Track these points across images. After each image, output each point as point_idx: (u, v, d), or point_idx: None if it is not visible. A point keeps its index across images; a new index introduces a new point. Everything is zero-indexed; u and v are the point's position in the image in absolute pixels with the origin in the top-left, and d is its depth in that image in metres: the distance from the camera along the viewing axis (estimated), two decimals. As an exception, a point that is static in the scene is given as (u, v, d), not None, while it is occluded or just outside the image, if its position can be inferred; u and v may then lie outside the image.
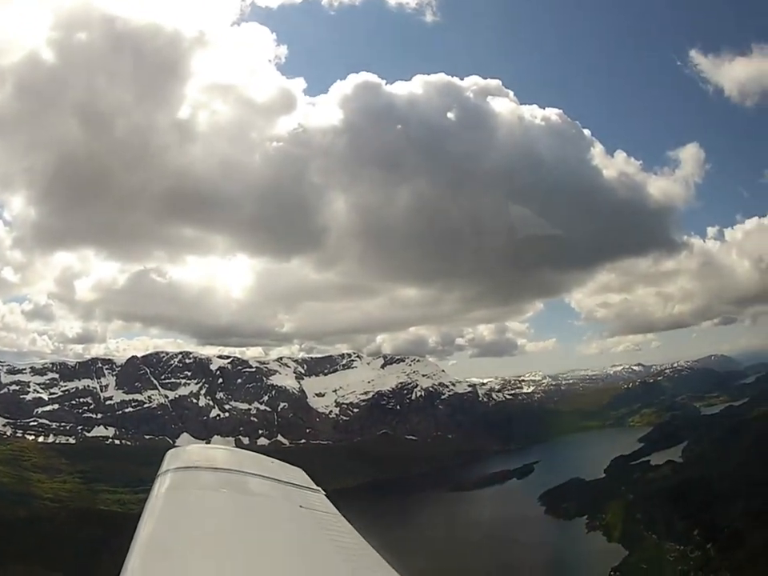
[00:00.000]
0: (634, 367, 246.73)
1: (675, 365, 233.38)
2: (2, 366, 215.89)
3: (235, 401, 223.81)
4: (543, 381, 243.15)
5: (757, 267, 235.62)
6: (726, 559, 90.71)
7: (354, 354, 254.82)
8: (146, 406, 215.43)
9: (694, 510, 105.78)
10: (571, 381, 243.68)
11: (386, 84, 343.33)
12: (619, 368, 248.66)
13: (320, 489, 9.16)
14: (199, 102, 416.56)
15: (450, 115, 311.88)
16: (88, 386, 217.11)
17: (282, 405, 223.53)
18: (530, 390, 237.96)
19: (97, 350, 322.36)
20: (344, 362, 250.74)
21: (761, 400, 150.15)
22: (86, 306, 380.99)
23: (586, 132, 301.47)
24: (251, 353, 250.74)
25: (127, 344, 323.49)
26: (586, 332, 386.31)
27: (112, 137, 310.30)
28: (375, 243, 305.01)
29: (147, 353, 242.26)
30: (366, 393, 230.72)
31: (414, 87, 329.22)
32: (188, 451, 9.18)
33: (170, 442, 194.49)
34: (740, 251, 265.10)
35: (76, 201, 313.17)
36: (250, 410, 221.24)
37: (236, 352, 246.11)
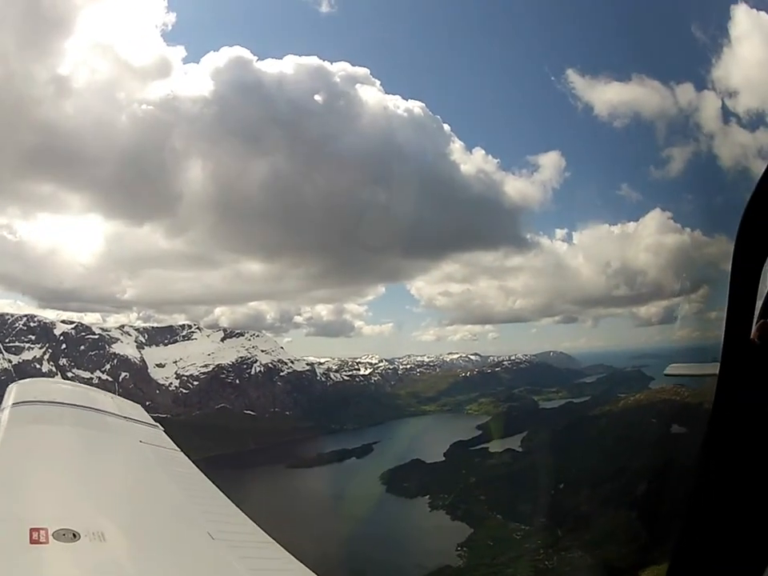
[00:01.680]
0: (471, 356, 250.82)
1: (513, 357, 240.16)
2: None
3: (78, 368, 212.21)
4: (380, 364, 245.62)
5: (603, 272, 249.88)
6: (576, 539, 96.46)
7: (195, 325, 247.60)
8: None
9: (537, 494, 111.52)
10: (408, 366, 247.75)
11: (258, 60, 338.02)
12: (456, 356, 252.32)
13: (158, 424, 9.53)
14: (78, 58, 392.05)
15: (315, 97, 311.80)
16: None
17: (123, 374, 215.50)
18: (366, 373, 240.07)
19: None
20: (184, 332, 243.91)
21: (601, 400, 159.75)
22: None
23: (446, 127, 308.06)
24: (89, 318, 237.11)
25: None
26: (425, 318, 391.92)
27: None
28: (226, 215, 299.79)
29: None
30: (206, 365, 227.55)
31: (284, 67, 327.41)
32: (30, 385, 9.33)
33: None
34: (587, 255, 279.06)
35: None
36: (92, 378, 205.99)
37: (74, 317, 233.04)
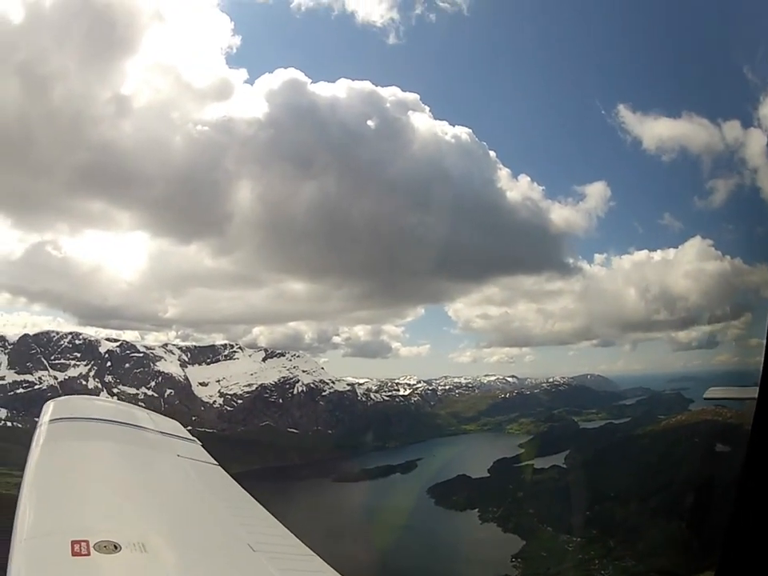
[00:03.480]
0: (508, 378, 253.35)
1: (551, 379, 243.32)
2: None
3: (123, 385, 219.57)
4: (418, 385, 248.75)
5: (642, 297, 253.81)
6: (628, 549, 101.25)
7: (236, 345, 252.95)
8: (36, 387, 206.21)
9: (586, 507, 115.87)
10: (447, 387, 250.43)
11: (312, 83, 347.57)
12: (493, 378, 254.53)
13: (195, 439, 9.65)
14: (140, 78, 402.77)
15: (366, 122, 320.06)
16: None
17: (168, 391, 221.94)
18: (406, 393, 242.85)
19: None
20: (226, 352, 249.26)
21: (642, 421, 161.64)
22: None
23: (492, 154, 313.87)
24: (128, 336, 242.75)
25: (6, 320, 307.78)
26: (462, 341, 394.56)
27: (37, 103, 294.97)
28: (274, 235, 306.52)
29: (38, 331, 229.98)
30: (249, 385, 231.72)
31: (337, 90, 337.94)
32: (66, 402, 9.44)
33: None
34: (627, 280, 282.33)
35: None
36: (137, 394, 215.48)
37: (113, 334, 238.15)
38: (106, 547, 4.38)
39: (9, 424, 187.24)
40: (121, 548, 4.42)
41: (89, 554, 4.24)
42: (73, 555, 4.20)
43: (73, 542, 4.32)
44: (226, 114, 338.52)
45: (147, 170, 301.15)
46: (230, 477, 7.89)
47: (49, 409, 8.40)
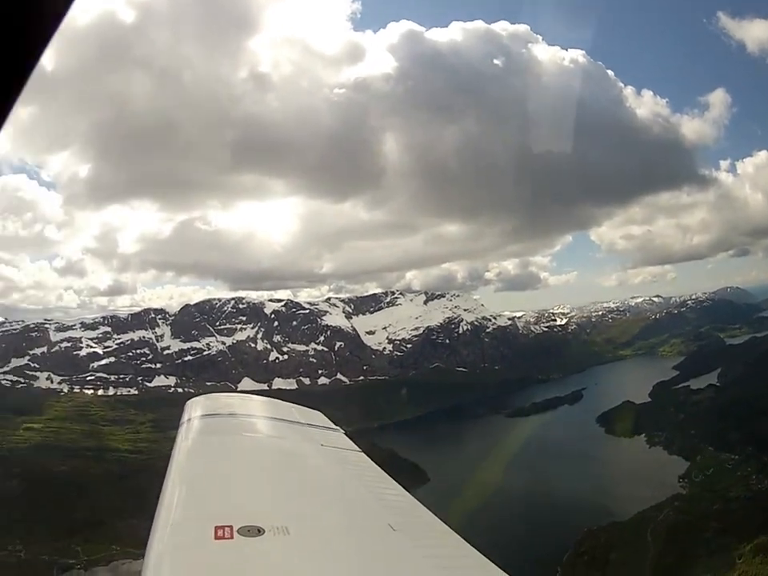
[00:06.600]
0: (654, 298, 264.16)
1: (694, 296, 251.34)
2: (50, 323, 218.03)
3: (293, 343, 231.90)
4: (572, 313, 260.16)
5: None
6: None
7: (397, 291, 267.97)
8: (205, 353, 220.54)
9: (743, 425, 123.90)
10: (600, 312, 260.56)
11: (426, 31, 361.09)
12: (639, 299, 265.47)
13: (339, 428, 9.68)
14: (270, 54, 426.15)
15: (488, 60, 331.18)
16: (143, 337, 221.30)
17: (338, 344, 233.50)
18: (563, 322, 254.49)
19: (122, 302, 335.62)
20: (388, 299, 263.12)
21: None
22: (123, 259, 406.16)
23: (610, 73, 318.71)
24: (279, 295, 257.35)
25: (153, 293, 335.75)
26: (607, 264, 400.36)
27: (177, 89, 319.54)
28: (424, 181, 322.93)
29: (200, 300, 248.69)
30: (416, 329, 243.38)
31: (453, 34, 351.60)
32: (208, 400, 9.88)
33: (233, 387, 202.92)
34: (753, 185, 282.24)
35: (135, 154, 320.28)
36: (307, 351, 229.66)
37: (264, 296, 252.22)
38: (249, 531, 4.66)
39: (179, 390, 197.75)
40: (264, 532, 4.69)
41: (232, 538, 4.54)
42: (216, 539, 4.50)
43: (216, 527, 4.60)
44: (359, 75, 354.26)
45: (295, 138, 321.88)
46: (372, 462, 7.84)
47: (192, 406, 8.93)
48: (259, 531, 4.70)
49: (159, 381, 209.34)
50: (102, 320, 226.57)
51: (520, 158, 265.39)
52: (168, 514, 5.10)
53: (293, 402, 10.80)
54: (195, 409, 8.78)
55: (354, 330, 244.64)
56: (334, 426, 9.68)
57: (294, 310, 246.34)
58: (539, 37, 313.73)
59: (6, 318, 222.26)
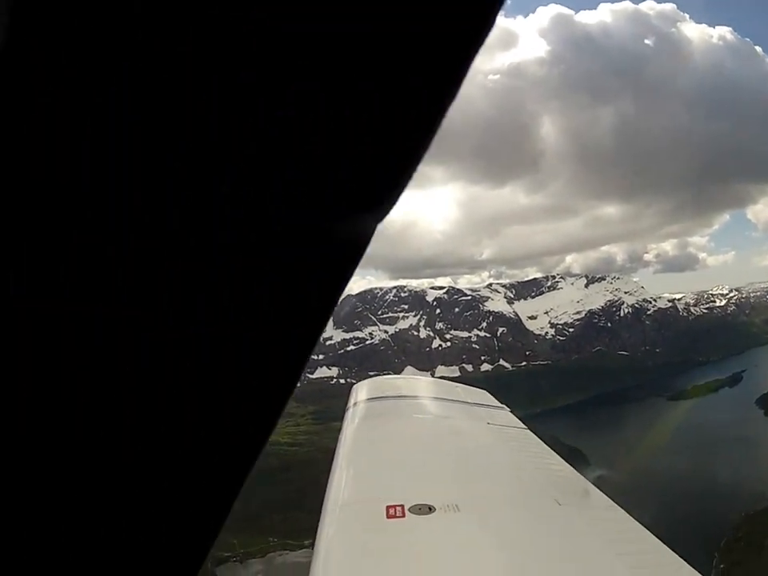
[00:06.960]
0: None
1: None
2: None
3: (455, 330, 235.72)
4: (730, 294, 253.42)
5: None
6: None
7: (558, 275, 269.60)
8: (367, 342, 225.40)
9: None
10: (758, 293, 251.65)
11: (575, 14, 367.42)
12: None
13: (504, 406, 9.25)
14: None
15: (639, 40, 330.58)
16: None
17: (500, 330, 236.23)
18: (722, 304, 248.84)
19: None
20: (548, 283, 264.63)
21: None
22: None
23: (758, 49, 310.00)
24: (440, 282, 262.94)
25: None
26: (764, 243, 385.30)
27: None
28: (583, 164, 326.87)
29: (361, 290, 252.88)
30: (577, 312, 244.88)
31: (602, 15, 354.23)
32: (374, 383, 9.70)
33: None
34: None
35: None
36: (470, 337, 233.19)
37: (425, 283, 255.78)
38: (420, 509, 4.62)
39: (342, 381, 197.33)
40: (435, 509, 4.64)
41: (403, 516, 4.52)
42: (388, 518, 4.50)
43: (388, 507, 4.62)
44: (512, 60, 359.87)
45: (452, 124, 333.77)
46: (541, 442, 7.44)
47: (358, 390, 8.78)
48: (430, 509, 4.80)
49: (321, 372, 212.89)
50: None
51: (675, 137, 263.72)
52: (338, 495, 5.29)
53: None
54: (361, 392, 8.81)
55: (516, 315, 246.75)
56: (499, 405, 9.43)
57: (456, 296, 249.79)
58: (686, 15, 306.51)
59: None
